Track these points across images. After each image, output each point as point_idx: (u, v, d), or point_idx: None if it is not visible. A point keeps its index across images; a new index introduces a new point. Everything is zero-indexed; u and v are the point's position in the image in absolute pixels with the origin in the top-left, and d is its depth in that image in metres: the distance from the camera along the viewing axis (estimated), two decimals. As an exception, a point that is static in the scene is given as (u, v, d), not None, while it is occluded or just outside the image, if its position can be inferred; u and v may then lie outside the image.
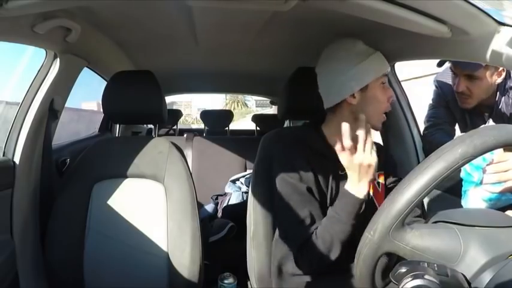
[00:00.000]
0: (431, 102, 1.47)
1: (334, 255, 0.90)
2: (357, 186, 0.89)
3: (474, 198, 0.87)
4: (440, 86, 1.42)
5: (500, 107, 1.27)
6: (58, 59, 1.13)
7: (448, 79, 1.36)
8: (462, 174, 0.89)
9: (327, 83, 1.00)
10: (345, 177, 0.95)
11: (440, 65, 1.36)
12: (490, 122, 0.93)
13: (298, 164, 0.96)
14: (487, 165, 0.82)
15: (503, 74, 1.23)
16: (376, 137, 1.28)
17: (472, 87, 1.22)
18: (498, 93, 1.26)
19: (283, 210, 0.97)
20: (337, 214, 0.90)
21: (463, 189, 0.90)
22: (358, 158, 0.87)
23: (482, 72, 1.20)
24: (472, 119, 1.36)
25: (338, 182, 0.98)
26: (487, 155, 0.81)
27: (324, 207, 0.96)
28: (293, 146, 1.01)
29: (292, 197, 0.95)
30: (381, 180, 1.04)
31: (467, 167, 0.86)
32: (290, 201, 0.96)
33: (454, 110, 1.39)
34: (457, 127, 1.47)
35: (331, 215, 0.91)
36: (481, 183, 0.85)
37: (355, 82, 0.95)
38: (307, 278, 0.99)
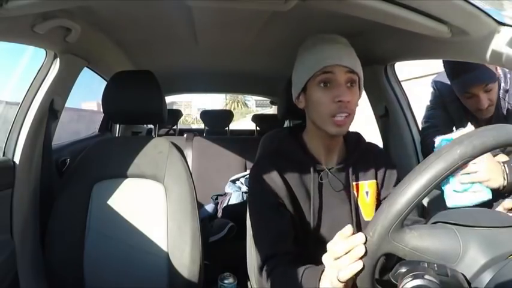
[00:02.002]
0: (428, 103, 1.47)
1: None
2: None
3: (449, 190, 0.89)
4: (438, 88, 1.42)
5: (499, 110, 1.27)
6: (58, 59, 1.14)
7: (446, 80, 1.35)
8: None
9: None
10: (326, 185, 0.91)
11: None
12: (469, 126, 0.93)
13: (269, 181, 0.90)
14: None
15: (499, 69, 1.23)
16: (376, 137, 1.28)
17: (491, 97, 1.22)
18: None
19: (254, 222, 0.94)
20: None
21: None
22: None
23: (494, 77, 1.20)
24: (470, 121, 1.36)
25: (321, 190, 0.92)
26: None
27: (301, 218, 0.90)
28: (263, 161, 0.96)
29: (262, 210, 0.91)
30: (371, 189, 0.95)
31: None
32: (260, 214, 0.92)
33: (452, 112, 1.38)
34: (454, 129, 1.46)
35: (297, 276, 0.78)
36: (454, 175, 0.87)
37: (295, 84, 0.91)
38: None
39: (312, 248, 0.89)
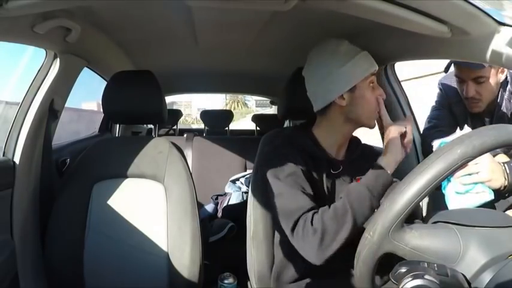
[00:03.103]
0: (434, 104, 1.47)
1: (343, 234, 0.81)
2: (391, 162, 0.90)
3: (450, 193, 0.89)
4: (444, 89, 1.42)
5: (501, 111, 1.27)
6: (58, 59, 1.14)
7: (453, 82, 1.35)
8: None
9: (314, 86, 0.99)
10: (338, 176, 0.98)
11: (446, 70, 1.35)
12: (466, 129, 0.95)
13: (290, 164, 0.93)
14: None
15: (506, 71, 1.23)
16: (376, 137, 1.28)
17: (481, 90, 1.22)
18: (499, 95, 1.25)
19: (279, 205, 0.92)
20: (368, 188, 0.85)
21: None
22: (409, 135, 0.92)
23: (488, 71, 1.19)
24: (472, 123, 1.36)
25: (334, 181, 0.99)
26: None
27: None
28: (285, 146, 0.99)
29: (285, 190, 0.91)
30: None
31: None
32: (284, 194, 0.91)
33: (457, 113, 1.39)
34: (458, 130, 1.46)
35: (356, 190, 0.86)
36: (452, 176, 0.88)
37: (343, 83, 0.94)
38: (303, 284, 0.99)
39: None
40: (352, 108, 0.96)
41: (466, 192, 0.87)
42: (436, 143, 0.95)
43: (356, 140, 1.09)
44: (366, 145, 1.12)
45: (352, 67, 0.94)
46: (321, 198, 0.95)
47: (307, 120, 1.08)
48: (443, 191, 0.91)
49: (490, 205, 0.88)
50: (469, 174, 0.87)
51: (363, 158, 1.03)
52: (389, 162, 0.89)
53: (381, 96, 0.97)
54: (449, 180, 0.91)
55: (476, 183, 0.87)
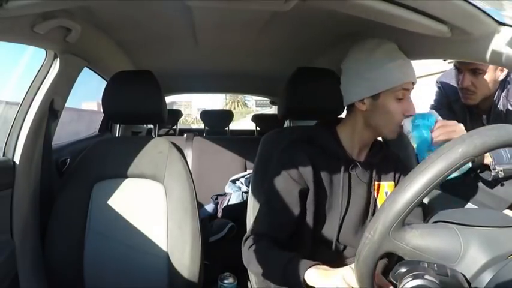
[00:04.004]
0: (433, 102, 1.47)
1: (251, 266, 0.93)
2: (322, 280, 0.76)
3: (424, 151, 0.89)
4: (443, 87, 1.42)
5: (497, 108, 1.27)
6: (58, 59, 1.13)
7: (451, 80, 1.35)
8: (416, 134, 0.90)
9: (344, 81, 0.98)
10: (356, 176, 0.97)
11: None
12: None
13: (297, 164, 0.94)
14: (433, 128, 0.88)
15: (506, 71, 1.23)
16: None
17: (476, 82, 1.22)
18: (497, 93, 1.26)
19: (264, 201, 1.00)
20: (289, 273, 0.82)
21: (416, 148, 0.91)
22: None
23: (485, 64, 1.20)
24: (471, 120, 1.36)
25: (350, 181, 0.97)
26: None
27: (321, 204, 0.96)
28: (294, 145, 1.00)
29: (277, 194, 0.95)
30: (390, 190, 1.01)
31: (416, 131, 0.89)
32: (274, 196, 0.96)
33: (456, 111, 1.39)
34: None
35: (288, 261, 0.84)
36: (432, 144, 0.88)
37: (365, 89, 0.91)
38: None
39: (334, 231, 0.96)
40: (373, 115, 0.93)
41: None
42: (406, 122, 0.91)
43: (380, 143, 1.06)
44: (391, 151, 1.09)
45: (381, 74, 0.89)
46: (335, 196, 0.96)
47: (332, 119, 1.07)
48: (417, 152, 0.91)
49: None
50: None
51: (384, 163, 1.02)
52: (319, 278, 0.76)
53: (408, 112, 0.91)
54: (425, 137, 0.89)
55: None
